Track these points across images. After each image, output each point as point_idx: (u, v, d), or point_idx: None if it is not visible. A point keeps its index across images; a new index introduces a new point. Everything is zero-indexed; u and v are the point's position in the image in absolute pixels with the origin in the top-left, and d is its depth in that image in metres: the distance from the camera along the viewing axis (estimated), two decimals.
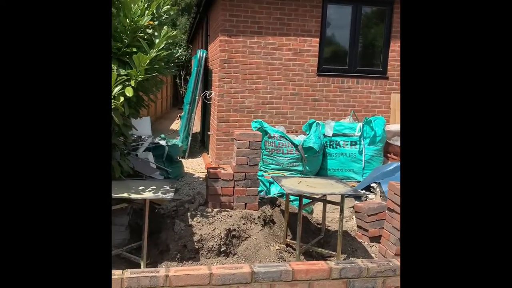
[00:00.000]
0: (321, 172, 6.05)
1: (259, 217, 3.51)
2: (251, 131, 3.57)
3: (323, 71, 6.56)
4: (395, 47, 6.64)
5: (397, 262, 2.57)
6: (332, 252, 3.35)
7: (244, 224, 3.37)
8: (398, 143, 6.01)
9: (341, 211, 3.27)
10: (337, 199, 3.63)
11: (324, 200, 3.53)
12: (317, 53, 6.49)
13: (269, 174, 5.91)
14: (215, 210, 3.40)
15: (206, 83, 7.95)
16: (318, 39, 6.45)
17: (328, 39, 6.64)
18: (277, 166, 5.91)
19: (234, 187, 3.50)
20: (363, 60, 6.79)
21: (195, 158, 7.45)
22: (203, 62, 7.34)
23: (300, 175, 5.82)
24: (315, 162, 5.90)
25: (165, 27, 2.83)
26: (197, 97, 7.34)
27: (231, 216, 3.34)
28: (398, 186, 3.39)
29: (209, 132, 7.22)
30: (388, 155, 6.31)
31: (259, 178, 4.35)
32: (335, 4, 6.51)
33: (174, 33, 2.88)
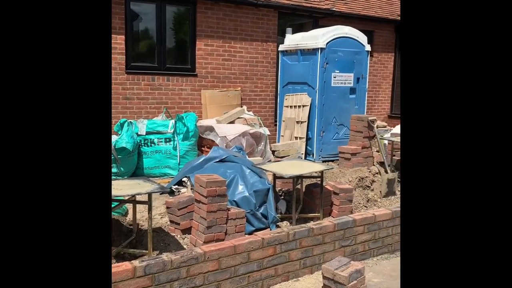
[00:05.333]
0: (137, 171, 5.98)
1: None
2: None
3: (132, 69, 6.46)
4: (201, 46, 6.98)
5: (199, 250, 2.77)
6: (144, 251, 3.39)
7: None
8: (210, 137, 6.38)
9: (149, 209, 3.32)
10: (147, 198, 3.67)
11: (133, 200, 3.53)
12: (124, 51, 6.34)
13: None
14: None
15: None
16: (123, 37, 6.30)
17: (135, 37, 6.55)
18: None
19: None
20: (172, 57, 6.95)
21: None
22: None
23: (115, 176, 5.64)
24: (130, 162, 5.80)
25: None
26: None
27: None
28: (203, 178, 3.62)
29: None
30: (203, 148, 6.64)
31: None
32: (137, 1, 6.45)
33: None
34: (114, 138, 5.80)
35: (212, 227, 3.58)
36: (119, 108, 6.41)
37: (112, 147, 5.54)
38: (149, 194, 3.32)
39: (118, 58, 6.30)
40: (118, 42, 6.26)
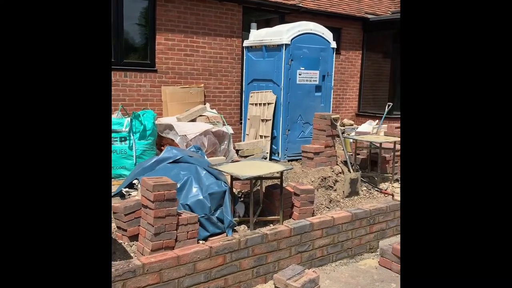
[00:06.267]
0: None
1: None
2: None
3: None
4: (161, 40, 6.67)
5: (137, 262, 2.51)
6: None
7: None
8: (170, 136, 6.09)
9: None
10: None
11: None
12: None
13: None
14: None
15: None
16: None
17: None
18: None
19: None
20: (130, 52, 6.61)
21: None
22: None
23: None
24: None
25: None
26: None
27: None
28: (150, 181, 3.35)
29: None
30: (162, 148, 6.34)
31: None
32: None
33: None
34: None
35: (160, 234, 3.32)
36: None
37: None
38: None
39: None
40: None
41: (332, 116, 5.57)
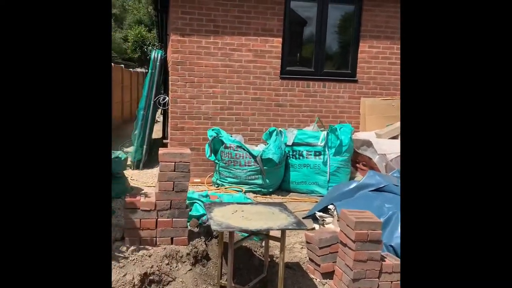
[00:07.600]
0: (283, 185, 5.51)
1: (188, 253, 2.93)
2: (177, 149, 2.97)
3: (287, 74, 6.01)
4: (364, 48, 6.12)
5: None
6: None
7: (167, 264, 2.80)
8: (367, 154, 5.50)
9: (281, 250, 2.71)
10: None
11: (265, 235, 2.97)
12: (280, 55, 5.93)
13: (226, 188, 5.36)
14: (131, 248, 2.80)
15: (166, 87, 7.34)
16: (280, 39, 5.89)
17: (291, 39, 6.09)
18: (235, 179, 5.35)
19: (157, 218, 2.91)
20: (330, 62, 6.28)
21: (152, 168, 6.83)
22: (158, 63, 6.72)
23: (259, 189, 5.28)
24: (276, 174, 5.35)
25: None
26: (152, 102, 6.72)
27: (150, 256, 2.76)
28: (352, 216, 2.85)
29: (165, 141, 6.63)
30: (357, 165, 5.80)
31: (201, 200, 3.78)
32: (298, 1, 5.96)
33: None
34: (261, 147, 5.44)
35: (359, 280, 2.79)
36: (271, 115, 6.03)
37: (258, 157, 5.18)
38: (282, 231, 2.70)
39: (273, 62, 5.93)
40: (274, 45, 5.88)
41: None
